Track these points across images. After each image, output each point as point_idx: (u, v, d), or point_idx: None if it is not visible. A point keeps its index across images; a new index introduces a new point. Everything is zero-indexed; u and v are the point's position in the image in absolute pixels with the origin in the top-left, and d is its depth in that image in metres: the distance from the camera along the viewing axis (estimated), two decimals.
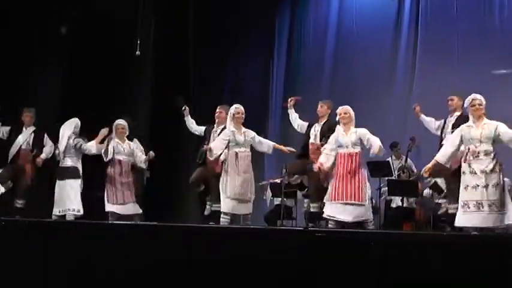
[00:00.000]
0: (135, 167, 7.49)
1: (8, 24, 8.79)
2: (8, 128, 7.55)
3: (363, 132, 6.21)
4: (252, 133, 6.73)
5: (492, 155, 5.39)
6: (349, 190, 6.08)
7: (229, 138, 6.52)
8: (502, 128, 5.34)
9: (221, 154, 6.46)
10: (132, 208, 7.21)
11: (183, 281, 4.32)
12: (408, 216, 7.35)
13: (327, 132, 6.56)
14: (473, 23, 8.22)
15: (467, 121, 5.46)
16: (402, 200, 7.18)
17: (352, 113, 6.23)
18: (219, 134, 6.88)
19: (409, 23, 8.77)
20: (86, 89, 9.11)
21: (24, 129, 7.61)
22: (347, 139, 6.12)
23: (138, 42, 8.30)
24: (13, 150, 7.47)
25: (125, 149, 7.36)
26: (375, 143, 6.01)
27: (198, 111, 7.61)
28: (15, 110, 7.75)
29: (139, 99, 9.56)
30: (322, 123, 6.73)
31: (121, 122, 7.38)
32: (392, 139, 7.41)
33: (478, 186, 5.33)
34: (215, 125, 7.10)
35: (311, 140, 6.72)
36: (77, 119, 7.53)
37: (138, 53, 8.31)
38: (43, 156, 7.53)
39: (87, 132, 7.55)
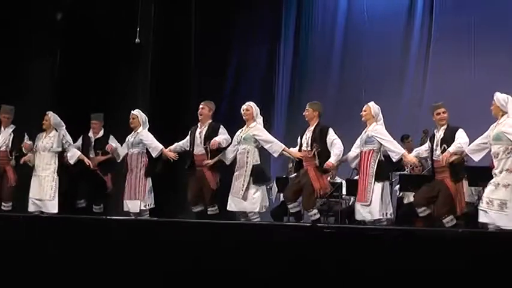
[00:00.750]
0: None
1: None
2: None
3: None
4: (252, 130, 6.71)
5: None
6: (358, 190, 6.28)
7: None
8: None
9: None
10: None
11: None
12: None
13: (318, 137, 6.36)
14: (489, 10, 8.09)
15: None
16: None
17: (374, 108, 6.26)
18: (204, 134, 6.77)
19: (423, 10, 8.67)
20: (81, 80, 8.98)
21: (2, 129, 7.43)
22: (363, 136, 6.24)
23: (138, 29, 8.16)
24: None
25: None
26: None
27: (195, 110, 7.27)
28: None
29: (138, 89, 9.39)
30: (312, 127, 6.48)
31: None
32: (404, 131, 7.37)
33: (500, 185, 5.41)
34: (199, 124, 6.93)
35: (303, 148, 6.47)
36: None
37: (137, 40, 8.16)
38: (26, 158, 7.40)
39: (82, 123, 7.54)
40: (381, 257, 3.81)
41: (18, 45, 8.83)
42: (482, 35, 8.13)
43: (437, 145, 6.03)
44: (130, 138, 7.32)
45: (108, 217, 6.55)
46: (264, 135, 6.58)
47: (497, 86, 5.41)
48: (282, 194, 7.84)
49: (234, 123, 7.11)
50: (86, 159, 7.39)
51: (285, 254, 4.09)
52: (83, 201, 7.52)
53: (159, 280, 4.57)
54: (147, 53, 9.39)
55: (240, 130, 6.50)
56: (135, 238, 4.87)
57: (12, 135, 7.39)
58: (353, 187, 6.98)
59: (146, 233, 4.96)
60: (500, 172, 5.38)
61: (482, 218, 5.36)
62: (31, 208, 7.27)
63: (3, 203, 7.29)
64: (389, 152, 6.21)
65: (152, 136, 7.18)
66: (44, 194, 7.27)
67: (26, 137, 7.39)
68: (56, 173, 7.32)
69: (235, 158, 6.62)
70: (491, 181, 5.53)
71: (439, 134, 6.04)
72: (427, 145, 6.30)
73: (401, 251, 3.81)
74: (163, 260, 4.55)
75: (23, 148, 7.39)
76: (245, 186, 6.42)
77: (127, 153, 7.41)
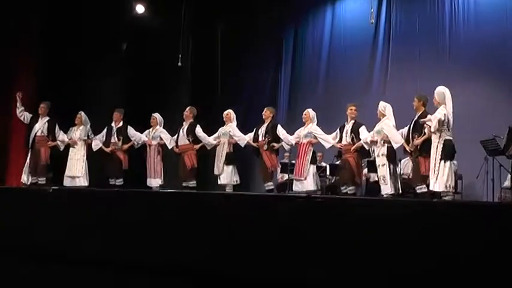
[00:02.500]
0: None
1: (76, 43, 9.67)
2: (30, 116, 7.99)
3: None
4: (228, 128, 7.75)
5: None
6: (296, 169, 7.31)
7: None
8: None
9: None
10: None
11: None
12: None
13: (270, 131, 7.43)
14: (430, 40, 8.97)
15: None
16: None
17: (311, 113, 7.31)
18: (186, 129, 7.81)
19: (383, 40, 9.56)
20: (139, 93, 10.15)
21: (40, 118, 8.00)
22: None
23: (180, 56, 9.39)
24: (31, 135, 7.92)
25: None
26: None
27: (220, 112, 8.26)
28: (89, 110, 8.57)
29: (179, 99, 10.31)
30: (266, 124, 7.53)
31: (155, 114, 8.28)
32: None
33: None
34: (184, 123, 7.95)
35: (260, 139, 7.48)
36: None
37: (180, 64, 9.43)
38: (57, 142, 8.07)
39: (139, 122, 8.42)
40: (353, 219, 3.68)
41: (97, 65, 9.82)
42: (425, 58, 8.98)
43: (346, 133, 7.02)
44: (150, 133, 8.16)
45: (163, 190, 6.96)
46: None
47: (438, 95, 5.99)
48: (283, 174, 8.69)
49: (248, 124, 8.35)
50: (104, 148, 8.13)
51: (290, 217, 3.92)
52: (114, 180, 8.11)
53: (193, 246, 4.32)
54: (186, 72, 10.57)
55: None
56: (180, 208, 4.71)
57: (46, 124, 8.03)
58: (335, 169, 8.12)
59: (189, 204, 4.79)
60: (378, 156, 6.61)
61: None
62: (66, 183, 8.06)
63: (39, 178, 7.94)
64: (322, 142, 7.25)
65: (167, 133, 8.03)
66: (77, 172, 8.07)
67: (57, 126, 8.11)
68: (84, 157, 8.16)
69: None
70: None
71: (349, 126, 7.03)
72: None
73: (367, 215, 3.65)
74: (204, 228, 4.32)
75: (71, 142, 8.12)
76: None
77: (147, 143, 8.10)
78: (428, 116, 6.01)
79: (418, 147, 6.17)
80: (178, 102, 10.16)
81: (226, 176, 7.71)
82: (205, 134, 7.93)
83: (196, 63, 10.87)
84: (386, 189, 6.52)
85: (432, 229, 3.20)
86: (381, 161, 6.57)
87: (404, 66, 9.28)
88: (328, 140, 7.26)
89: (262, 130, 7.56)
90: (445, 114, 5.86)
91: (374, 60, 9.70)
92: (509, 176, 6.57)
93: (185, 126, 7.96)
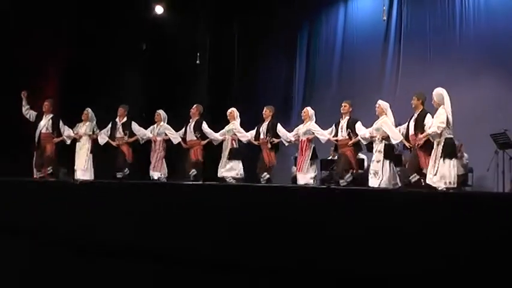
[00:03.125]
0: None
1: (94, 43, 9.83)
2: (35, 114, 8.07)
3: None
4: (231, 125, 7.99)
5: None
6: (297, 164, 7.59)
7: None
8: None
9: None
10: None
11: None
12: None
13: (271, 129, 7.73)
14: (440, 36, 9.03)
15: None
16: None
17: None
18: (193, 126, 8.03)
19: (394, 37, 9.60)
20: (159, 89, 10.32)
21: (44, 116, 8.08)
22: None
23: (198, 54, 9.83)
24: (37, 133, 8.03)
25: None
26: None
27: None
28: (111, 107, 8.63)
29: (197, 95, 10.36)
30: (267, 123, 7.82)
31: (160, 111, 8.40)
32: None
33: None
34: (191, 120, 8.14)
35: (261, 136, 7.79)
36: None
37: (198, 61, 9.72)
38: (63, 137, 8.19)
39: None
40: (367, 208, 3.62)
41: (120, 64, 10.09)
42: (436, 54, 9.01)
43: (341, 129, 7.20)
44: (155, 129, 8.29)
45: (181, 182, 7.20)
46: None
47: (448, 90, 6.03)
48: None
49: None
50: (111, 142, 8.25)
51: (310, 206, 3.83)
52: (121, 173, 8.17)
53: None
54: (204, 69, 10.71)
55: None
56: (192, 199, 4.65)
57: (50, 120, 8.13)
58: (326, 164, 8.48)
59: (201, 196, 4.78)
60: (375, 152, 6.81)
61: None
62: (78, 175, 8.22)
63: (48, 169, 7.99)
64: (319, 137, 7.45)
65: (172, 129, 8.18)
66: (81, 164, 8.22)
67: (61, 123, 8.22)
68: (89, 151, 8.28)
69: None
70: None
71: (344, 121, 7.21)
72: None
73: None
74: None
75: (77, 137, 8.24)
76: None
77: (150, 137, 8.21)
78: (431, 122, 6.13)
79: (420, 143, 6.27)
80: (196, 98, 10.16)
81: (229, 169, 7.98)
82: (211, 130, 8.17)
83: (214, 60, 11.03)
84: (374, 183, 6.73)
85: (456, 218, 3.18)
86: (377, 157, 6.77)
87: (415, 62, 9.32)
88: (325, 135, 7.47)
89: (263, 128, 7.85)
90: (446, 117, 5.93)
91: (386, 56, 9.77)
92: None
93: (192, 123, 8.18)
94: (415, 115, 6.51)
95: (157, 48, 10.75)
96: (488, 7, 8.70)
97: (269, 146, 7.68)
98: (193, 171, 8.00)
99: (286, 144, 7.89)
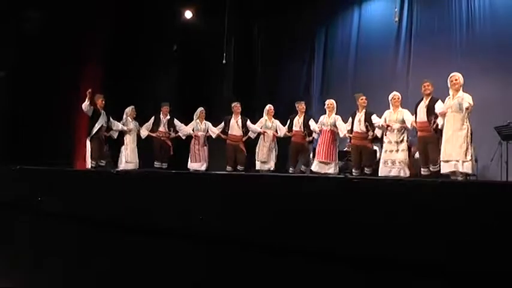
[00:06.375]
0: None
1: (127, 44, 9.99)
2: (92, 109, 8.11)
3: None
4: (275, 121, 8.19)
5: None
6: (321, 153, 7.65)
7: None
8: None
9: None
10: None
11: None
12: None
13: (306, 123, 7.87)
14: (449, 37, 9.01)
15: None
16: None
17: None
18: (241, 122, 8.23)
19: (405, 37, 9.60)
20: (189, 87, 10.53)
21: (101, 111, 8.21)
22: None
23: (224, 54, 9.86)
24: (96, 127, 8.09)
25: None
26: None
27: (259, 104, 8.73)
28: (148, 106, 9.01)
29: (223, 91, 10.76)
30: (302, 117, 8.01)
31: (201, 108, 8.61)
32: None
33: None
34: (234, 116, 8.32)
35: (296, 128, 7.95)
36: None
37: (224, 61, 9.87)
38: (111, 132, 8.39)
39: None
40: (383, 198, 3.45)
41: (152, 64, 10.32)
42: (443, 53, 8.94)
43: (359, 122, 7.16)
44: (199, 125, 8.51)
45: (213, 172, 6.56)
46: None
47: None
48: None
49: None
50: (154, 135, 8.39)
51: (326, 195, 3.57)
52: (159, 163, 8.43)
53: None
54: (229, 69, 10.76)
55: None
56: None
57: (105, 117, 8.26)
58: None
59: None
60: (397, 142, 6.73)
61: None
62: (126, 167, 8.44)
63: (102, 160, 8.22)
64: (339, 131, 7.50)
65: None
66: (133, 158, 8.53)
67: (111, 118, 8.38)
68: (135, 144, 8.56)
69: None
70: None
71: (361, 114, 7.20)
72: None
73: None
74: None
75: (127, 132, 8.47)
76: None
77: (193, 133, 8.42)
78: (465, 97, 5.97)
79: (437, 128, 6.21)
80: (222, 96, 10.69)
81: (267, 162, 8.27)
82: (254, 126, 8.40)
83: (238, 60, 11.13)
84: (393, 172, 6.67)
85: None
86: (401, 146, 6.74)
87: (425, 61, 9.31)
88: (342, 131, 7.56)
89: (300, 122, 8.05)
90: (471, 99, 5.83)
91: (397, 55, 9.78)
92: None
93: (238, 119, 8.39)
94: (426, 101, 6.43)
95: (186, 50, 11.01)
96: (493, 9, 8.73)
97: (308, 139, 7.85)
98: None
99: (316, 136, 7.98)
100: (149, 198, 4.14)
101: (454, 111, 5.99)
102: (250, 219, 3.77)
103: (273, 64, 11.21)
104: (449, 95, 6.20)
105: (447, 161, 5.99)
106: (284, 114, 8.75)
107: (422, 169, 6.49)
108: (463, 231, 2.53)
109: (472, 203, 2.54)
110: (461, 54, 8.85)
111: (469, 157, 5.93)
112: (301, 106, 8.12)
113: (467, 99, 5.89)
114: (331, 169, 7.56)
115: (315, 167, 7.69)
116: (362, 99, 7.30)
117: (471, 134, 6.08)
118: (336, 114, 7.86)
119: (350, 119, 7.45)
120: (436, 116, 6.24)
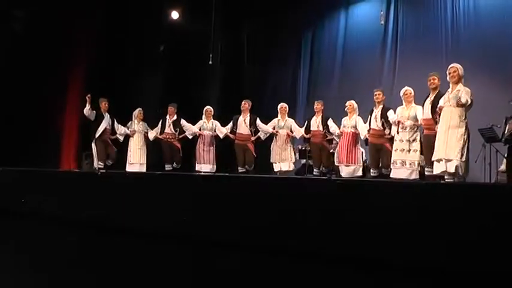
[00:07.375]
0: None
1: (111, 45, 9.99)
2: (94, 113, 8.18)
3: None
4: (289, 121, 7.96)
5: None
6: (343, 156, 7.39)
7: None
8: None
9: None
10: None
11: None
12: None
13: (325, 123, 7.63)
14: (434, 39, 8.97)
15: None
16: None
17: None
18: (249, 121, 7.95)
19: (391, 40, 9.61)
20: (175, 88, 10.34)
21: (104, 114, 8.28)
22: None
23: (211, 55, 9.69)
24: (99, 130, 8.18)
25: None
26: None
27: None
28: (130, 106, 8.78)
29: (210, 93, 10.67)
30: (319, 117, 7.75)
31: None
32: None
33: None
34: (242, 114, 8.08)
35: (314, 128, 7.72)
36: None
37: (210, 62, 9.70)
38: (117, 135, 8.41)
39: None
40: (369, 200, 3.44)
41: (139, 65, 10.26)
42: (428, 54, 8.88)
43: (375, 118, 6.81)
44: (206, 124, 8.25)
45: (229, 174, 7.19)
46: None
47: None
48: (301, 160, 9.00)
49: (271, 115, 8.44)
50: (162, 138, 8.30)
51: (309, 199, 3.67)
52: (170, 165, 8.36)
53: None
54: (216, 70, 10.69)
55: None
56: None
57: (110, 120, 8.36)
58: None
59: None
60: (409, 141, 6.32)
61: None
62: (132, 168, 8.40)
63: (108, 160, 8.31)
64: (360, 132, 7.17)
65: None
66: (141, 159, 8.42)
67: (116, 123, 8.44)
68: (144, 146, 8.48)
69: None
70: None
71: (378, 110, 6.87)
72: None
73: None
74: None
75: (132, 134, 8.42)
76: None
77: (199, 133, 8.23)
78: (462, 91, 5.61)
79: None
80: (209, 96, 10.58)
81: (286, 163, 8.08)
82: (265, 126, 8.14)
83: (225, 61, 11.08)
84: (403, 173, 6.26)
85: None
86: (413, 146, 6.27)
87: (411, 63, 9.32)
88: (363, 133, 7.19)
89: (317, 121, 7.75)
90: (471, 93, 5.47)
91: (383, 58, 9.78)
92: (504, 160, 6.49)
93: (246, 117, 8.09)
94: (432, 97, 6.04)
95: (173, 50, 10.95)
96: (477, 12, 8.75)
97: (328, 137, 7.58)
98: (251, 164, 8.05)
99: (337, 139, 7.65)
100: (134, 199, 4.13)
101: (452, 105, 5.53)
102: (242, 221, 3.80)
103: (259, 65, 11.19)
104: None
105: (438, 160, 5.56)
106: (270, 113, 8.59)
107: (426, 169, 6.10)
108: (461, 232, 2.53)
109: (469, 204, 2.51)
110: (446, 55, 8.81)
111: (464, 158, 5.49)
112: (319, 105, 7.79)
113: (465, 94, 5.45)
114: (356, 172, 7.22)
115: (342, 171, 7.35)
116: (375, 95, 6.93)
117: (469, 134, 5.71)
118: (357, 115, 7.52)
119: (369, 116, 7.09)
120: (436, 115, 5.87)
